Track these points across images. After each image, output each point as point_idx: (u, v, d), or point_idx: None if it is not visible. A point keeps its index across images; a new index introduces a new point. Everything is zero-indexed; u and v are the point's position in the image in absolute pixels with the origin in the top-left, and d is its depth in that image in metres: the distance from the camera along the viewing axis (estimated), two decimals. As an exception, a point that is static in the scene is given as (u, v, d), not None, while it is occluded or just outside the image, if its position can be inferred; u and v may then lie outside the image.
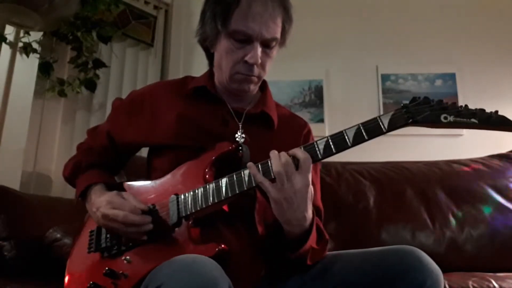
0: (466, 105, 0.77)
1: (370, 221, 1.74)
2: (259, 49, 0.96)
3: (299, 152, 0.82)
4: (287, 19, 1.00)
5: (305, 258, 0.91)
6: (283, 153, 0.82)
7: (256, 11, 0.94)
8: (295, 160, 0.81)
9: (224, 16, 0.96)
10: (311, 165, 0.82)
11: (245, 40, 0.96)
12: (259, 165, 0.84)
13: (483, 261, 1.65)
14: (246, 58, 0.96)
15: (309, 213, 0.85)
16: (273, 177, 0.82)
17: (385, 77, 2.52)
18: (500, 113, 0.75)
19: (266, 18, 0.95)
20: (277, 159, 0.81)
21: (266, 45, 0.98)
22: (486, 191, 1.80)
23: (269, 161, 0.83)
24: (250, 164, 0.84)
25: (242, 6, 0.94)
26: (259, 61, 0.97)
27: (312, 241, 0.90)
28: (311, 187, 0.83)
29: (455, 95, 2.45)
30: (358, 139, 0.80)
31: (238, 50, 0.97)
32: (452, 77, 2.49)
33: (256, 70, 0.99)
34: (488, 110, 0.76)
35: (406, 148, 2.33)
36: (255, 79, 1.01)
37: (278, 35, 0.99)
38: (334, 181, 1.84)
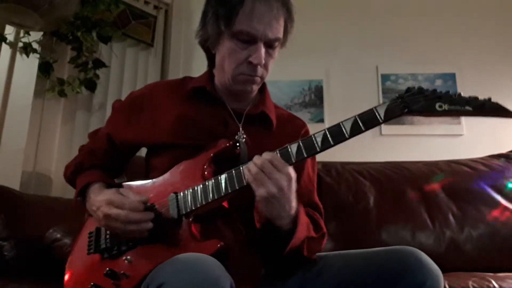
0: (459, 93, 0.78)
1: (370, 221, 1.74)
2: (263, 50, 0.97)
3: (266, 155, 0.83)
4: (289, 19, 1.01)
5: (301, 249, 0.91)
6: (256, 157, 0.83)
7: (260, 11, 0.95)
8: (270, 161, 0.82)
9: (228, 17, 0.96)
10: (283, 161, 0.83)
11: (249, 40, 0.97)
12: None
13: (483, 261, 1.65)
14: (251, 59, 0.97)
15: (294, 202, 0.86)
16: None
17: (385, 77, 2.52)
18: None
19: (270, 18, 0.96)
20: (252, 165, 0.83)
21: (269, 45, 0.99)
22: (486, 191, 1.80)
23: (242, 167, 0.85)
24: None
25: (246, 7, 0.95)
26: (263, 61, 0.98)
27: (304, 229, 0.90)
28: (294, 181, 0.84)
29: (455, 95, 2.45)
30: (356, 131, 0.81)
31: (242, 50, 0.98)
32: (452, 77, 2.49)
33: (260, 71, 1.00)
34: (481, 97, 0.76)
35: (406, 148, 2.33)
36: (258, 79, 1.02)
37: (281, 35, 1.00)
38: (334, 181, 1.84)
